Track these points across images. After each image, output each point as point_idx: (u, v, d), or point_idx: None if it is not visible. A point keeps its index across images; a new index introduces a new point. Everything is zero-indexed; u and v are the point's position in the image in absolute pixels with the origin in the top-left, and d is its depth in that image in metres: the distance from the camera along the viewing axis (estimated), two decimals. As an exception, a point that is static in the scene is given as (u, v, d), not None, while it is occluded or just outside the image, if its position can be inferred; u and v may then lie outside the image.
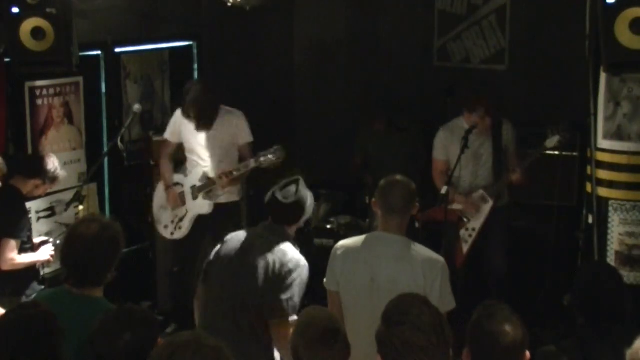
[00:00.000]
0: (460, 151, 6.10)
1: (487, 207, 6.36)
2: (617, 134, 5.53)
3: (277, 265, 4.32)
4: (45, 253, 5.53)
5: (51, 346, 3.12)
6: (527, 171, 6.32)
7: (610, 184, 5.58)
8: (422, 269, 4.13)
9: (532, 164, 6.30)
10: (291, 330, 3.75)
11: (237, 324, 4.34)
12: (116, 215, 6.89)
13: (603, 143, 5.58)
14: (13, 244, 5.30)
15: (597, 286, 3.73)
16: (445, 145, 6.49)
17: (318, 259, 6.75)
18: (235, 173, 6.28)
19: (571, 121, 6.77)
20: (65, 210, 6.18)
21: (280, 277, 4.30)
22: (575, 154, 6.92)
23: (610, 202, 5.56)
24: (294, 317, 4.22)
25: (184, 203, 6.55)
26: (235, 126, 6.43)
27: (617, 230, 5.56)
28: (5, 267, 5.30)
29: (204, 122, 6.32)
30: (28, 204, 6.09)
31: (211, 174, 6.42)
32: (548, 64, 7.53)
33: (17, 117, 6.23)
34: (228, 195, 6.51)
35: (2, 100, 5.99)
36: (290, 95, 8.84)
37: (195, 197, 6.50)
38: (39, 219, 6.34)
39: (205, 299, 4.54)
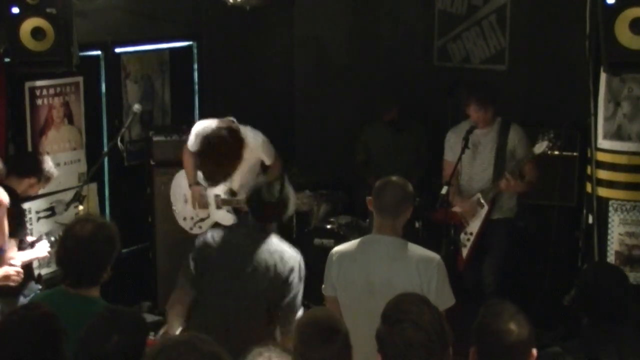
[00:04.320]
0: (460, 151, 6.10)
1: (482, 212, 6.28)
2: (617, 134, 5.53)
3: (279, 267, 4.38)
4: (43, 249, 5.52)
5: (54, 347, 3.12)
6: (521, 176, 6.23)
7: (610, 184, 5.58)
8: (416, 268, 4.12)
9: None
10: None
11: (249, 328, 4.34)
12: (116, 215, 6.90)
13: (603, 143, 5.57)
14: (12, 242, 5.30)
15: (600, 286, 3.73)
16: (451, 147, 6.44)
17: (318, 259, 6.74)
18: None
19: (571, 122, 6.79)
20: (65, 210, 6.18)
21: (283, 279, 4.36)
22: (575, 154, 6.91)
23: (610, 202, 5.56)
24: (300, 312, 4.34)
25: (207, 206, 6.58)
26: (256, 150, 6.32)
27: (617, 230, 5.55)
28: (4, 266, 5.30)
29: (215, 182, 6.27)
30: (27, 204, 6.09)
31: (235, 188, 6.48)
32: (548, 64, 7.53)
33: (17, 117, 6.23)
34: None
35: (2, 100, 5.99)
36: (290, 95, 8.85)
37: (219, 207, 6.53)
38: (39, 219, 6.34)
39: (197, 302, 4.50)
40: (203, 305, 4.49)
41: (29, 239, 5.63)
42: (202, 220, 6.68)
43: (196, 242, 4.60)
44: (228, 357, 2.61)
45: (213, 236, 4.56)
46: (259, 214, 4.53)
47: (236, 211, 6.54)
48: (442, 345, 2.97)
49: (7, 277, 5.16)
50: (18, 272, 5.21)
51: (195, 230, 6.66)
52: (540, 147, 6.01)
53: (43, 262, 6.09)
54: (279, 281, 4.37)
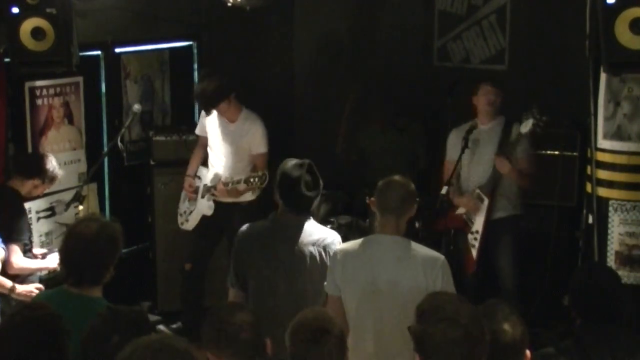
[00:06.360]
0: (460, 151, 6.08)
1: (484, 206, 6.23)
2: (617, 134, 5.53)
3: (324, 256, 4.44)
4: (54, 261, 5.47)
5: (58, 347, 3.12)
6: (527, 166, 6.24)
7: (610, 184, 5.58)
8: (422, 268, 4.12)
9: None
10: None
11: None
12: (116, 215, 6.89)
13: (603, 143, 5.57)
14: (16, 248, 5.28)
15: (592, 287, 3.73)
16: (453, 146, 6.43)
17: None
18: (230, 186, 6.29)
19: (571, 122, 6.79)
20: (65, 210, 6.18)
21: (328, 265, 4.41)
22: (575, 154, 6.91)
23: (610, 202, 5.56)
24: None
25: (194, 198, 6.60)
26: (252, 134, 6.45)
27: (617, 230, 5.55)
28: (12, 272, 5.28)
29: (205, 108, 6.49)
30: (28, 204, 6.09)
31: (226, 174, 6.45)
32: (548, 64, 7.52)
33: (17, 117, 6.23)
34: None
35: (2, 100, 5.99)
36: (290, 95, 8.84)
37: (202, 196, 6.52)
38: (39, 219, 6.34)
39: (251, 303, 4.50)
40: (254, 305, 4.47)
41: (39, 250, 5.61)
42: (190, 213, 6.69)
43: (235, 240, 4.61)
44: (199, 355, 2.63)
45: (251, 232, 4.57)
46: (295, 207, 4.53)
47: (215, 201, 6.53)
48: (481, 339, 2.92)
49: (28, 295, 5.14)
50: (39, 289, 5.21)
51: (184, 226, 6.72)
52: (526, 125, 5.91)
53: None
54: (324, 268, 4.41)
